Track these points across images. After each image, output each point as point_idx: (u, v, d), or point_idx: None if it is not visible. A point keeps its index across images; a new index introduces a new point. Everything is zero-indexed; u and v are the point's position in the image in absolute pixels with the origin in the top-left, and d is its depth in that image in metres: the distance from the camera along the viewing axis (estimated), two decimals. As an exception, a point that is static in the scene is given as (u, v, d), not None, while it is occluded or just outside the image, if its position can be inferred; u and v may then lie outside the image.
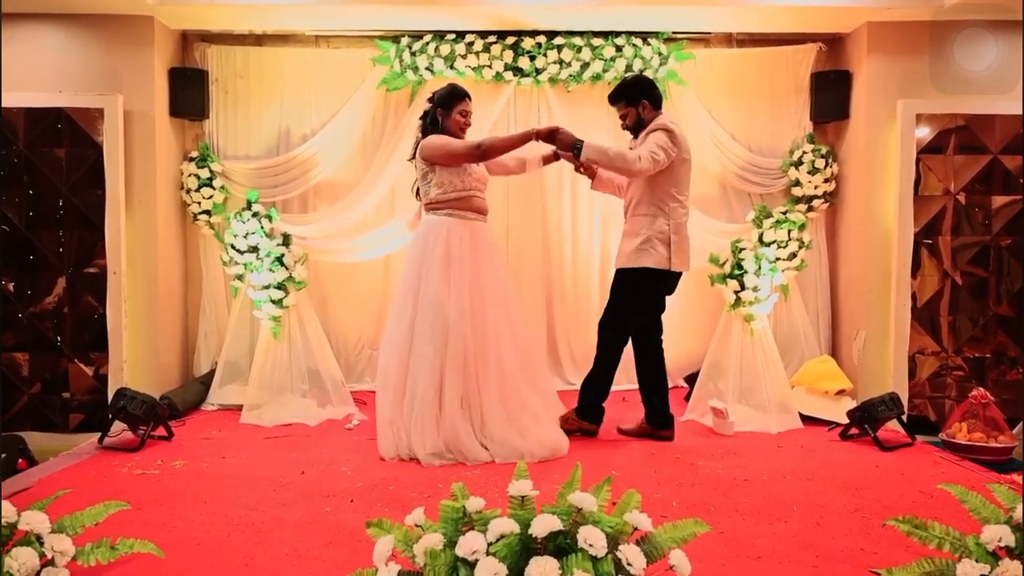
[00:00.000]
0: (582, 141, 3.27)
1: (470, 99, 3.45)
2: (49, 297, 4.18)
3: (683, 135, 3.43)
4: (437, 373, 3.19)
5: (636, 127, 3.50)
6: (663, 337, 3.64)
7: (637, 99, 3.46)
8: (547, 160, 3.61)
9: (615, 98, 3.53)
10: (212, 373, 4.32)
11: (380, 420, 3.30)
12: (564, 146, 3.32)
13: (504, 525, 1.65)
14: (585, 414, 3.53)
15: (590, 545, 1.60)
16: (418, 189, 3.48)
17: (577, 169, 3.55)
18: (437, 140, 3.32)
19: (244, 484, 2.82)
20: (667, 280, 3.47)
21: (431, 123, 3.41)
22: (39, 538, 1.71)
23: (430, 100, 3.46)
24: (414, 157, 3.43)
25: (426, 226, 3.37)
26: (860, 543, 2.27)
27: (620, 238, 3.56)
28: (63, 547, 1.71)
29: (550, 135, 3.31)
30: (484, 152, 3.30)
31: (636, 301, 3.45)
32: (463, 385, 3.19)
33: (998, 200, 4.27)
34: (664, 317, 4.69)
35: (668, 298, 4.68)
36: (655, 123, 3.39)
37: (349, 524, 2.37)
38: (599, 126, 4.62)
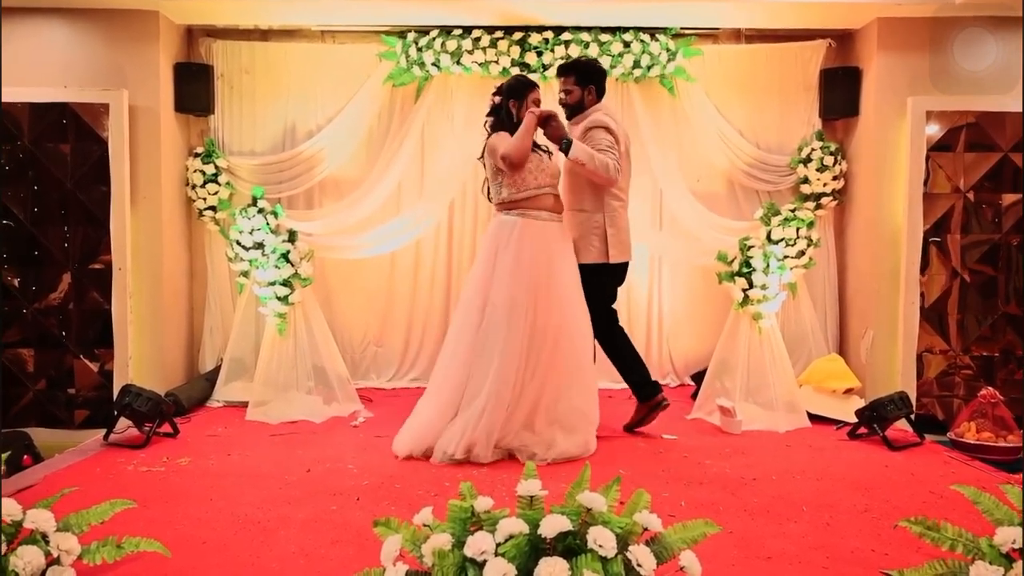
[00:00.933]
0: (571, 140, 3.26)
1: (539, 88, 3.40)
2: (54, 293, 4.17)
3: (621, 130, 3.41)
4: (488, 377, 3.11)
5: (574, 108, 3.49)
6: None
7: (587, 82, 3.46)
8: (539, 118, 3.39)
9: (567, 70, 3.53)
10: (217, 370, 4.31)
11: (416, 420, 3.23)
12: (553, 137, 3.31)
13: (513, 525, 1.64)
14: None
15: (600, 546, 1.59)
16: (488, 189, 3.41)
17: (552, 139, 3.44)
18: (491, 143, 3.26)
19: (250, 482, 2.81)
20: (611, 273, 3.46)
21: (506, 116, 3.31)
22: (44, 536, 1.70)
23: (497, 93, 3.37)
24: (483, 156, 3.36)
25: (497, 227, 3.30)
26: (871, 544, 2.25)
27: None
28: (69, 545, 1.70)
29: (545, 120, 3.29)
30: (511, 163, 3.20)
31: (587, 296, 3.37)
32: (511, 388, 3.11)
33: (1008, 198, 4.23)
34: (671, 314, 4.74)
35: (676, 294, 4.74)
36: (596, 118, 3.36)
37: (356, 523, 2.36)
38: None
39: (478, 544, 1.60)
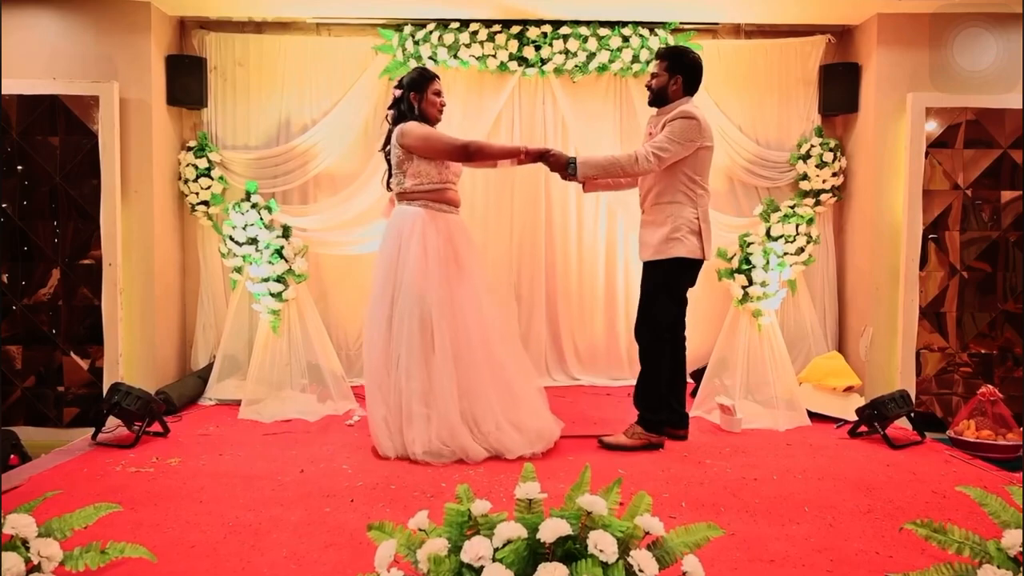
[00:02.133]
0: (574, 160, 3.15)
1: (439, 79, 3.36)
2: (44, 289, 4.10)
3: (707, 121, 3.27)
4: (424, 367, 3.09)
5: (657, 95, 3.31)
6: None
7: (677, 71, 3.26)
8: (520, 161, 3.38)
9: (662, 55, 3.35)
10: (210, 367, 4.25)
11: (373, 418, 3.18)
12: (557, 167, 3.20)
13: (511, 530, 1.59)
14: (650, 427, 3.30)
15: (600, 551, 1.55)
16: (388, 179, 3.36)
17: (565, 178, 3.32)
18: (420, 129, 3.19)
19: (241, 483, 2.75)
20: (696, 269, 3.34)
21: (407, 109, 3.27)
22: (25, 542, 1.64)
23: (398, 86, 3.32)
24: (386, 146, 3.31)
25: (399, 217, 3.25)
26: (875, 546, 2.20)
27: (639, 229, 3.40)
28: (50, 552, 1.64)
29: (541, 156, 3.22)
30: (472, 154, 3.20)
31: (671, 293, 3.30)
32: (456, 378, 3.10)
33: (1007, 195, 4.20)
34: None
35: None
36: (681, 110, 3.20)
37: (350, 525, 2.30)
38: (605, 118, 4.55)
39: (475, 549, 1.55)
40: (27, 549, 1.62)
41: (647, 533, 1.66)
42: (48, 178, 4.06)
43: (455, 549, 1.59)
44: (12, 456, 3.52)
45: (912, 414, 3.59)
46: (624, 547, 1.61)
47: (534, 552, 1.57)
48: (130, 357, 4.11)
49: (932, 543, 1.74)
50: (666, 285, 3.28)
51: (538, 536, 1.56)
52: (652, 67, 3.39)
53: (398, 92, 3.31)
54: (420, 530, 1.68)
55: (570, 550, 1.58)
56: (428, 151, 3.20)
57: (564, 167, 3.17)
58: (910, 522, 1.78)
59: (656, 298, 3.31)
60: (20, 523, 1.63)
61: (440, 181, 3.24)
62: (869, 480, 2.86)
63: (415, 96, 3.27)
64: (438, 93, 3.31)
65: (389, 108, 3.36)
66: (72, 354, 4.12)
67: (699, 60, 3.36)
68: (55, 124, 4.05)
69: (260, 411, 3.81)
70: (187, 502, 2.53)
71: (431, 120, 3.30)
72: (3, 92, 3.94)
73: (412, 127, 3.20)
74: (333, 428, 3.63)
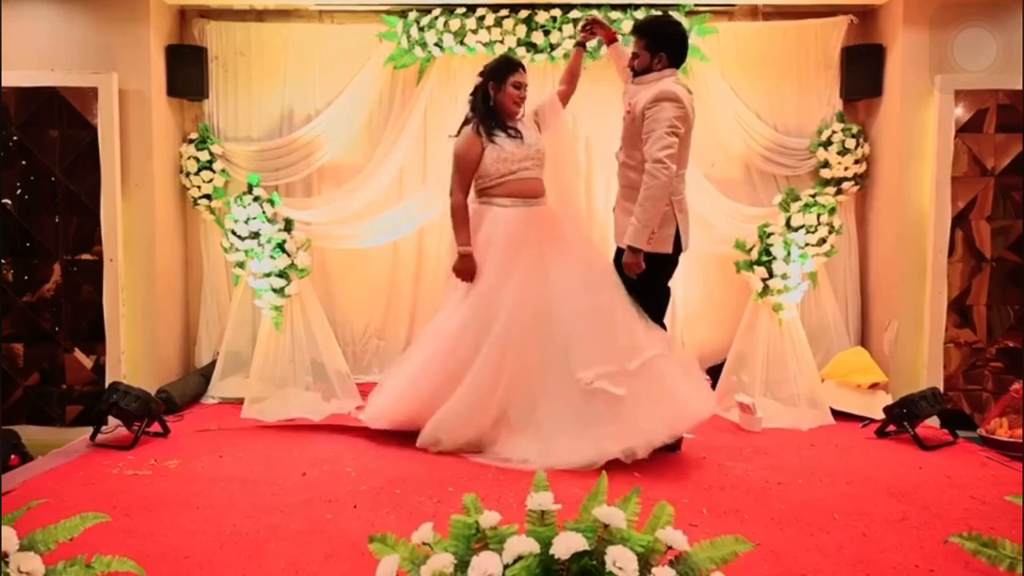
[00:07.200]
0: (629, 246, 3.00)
1: (524, 70, 3.24)
2: (47, 284, 4.02)
3: (691, 102, 3.09)
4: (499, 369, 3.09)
5: (640, 72, 3.16)
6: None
7: (659, 48, 3.09)
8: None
9: (638, 31, 3.18)
10: (213, 364, 4.16)
11: (388, 399, 3.22)
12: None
13: (522, 544, 1.49)
14: None
15: (619, 568, 1.45)
16: None
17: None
18: (460, 146, 3.16)
19: (241, 487, 2.65)
20: (674, 262, 3.19)
21: (483, 99, 3.18)
22: (4, 557, 1.54)
23: (481, 74, 3.24)
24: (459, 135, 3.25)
25: (474, 217, 3.22)
26: (914, 558, 2.06)
27: (615, 207, 3.26)
28: (31, 567, 1.53)
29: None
30: (451, 209, 3.20)
31: (653, 287, 3.15)
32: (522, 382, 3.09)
33: (1041, 182, 4.02)
34: (685, 305, 4.55)
35: (690, 284, 4.53)
36: (664, 89, 2.99)
37: (352, 534, 2.19)
38: (616, 106, 4.36)
39: (483, 566, 1.45)
40: (6, 564, 1.52)
41: (669, 548, 1.55)
42: (48, 172, 3.96)
43: (462, 565, 1.49)
44: (12, 456, 3.43)
45: (941, 412, 3.44)
46: (645, 563, 1.50)
47: (547, 569, 1.47)
48: (132, 355, 4.02)
49: (980, 558, 1.61)
50: (646, 279, 3.10)
51: (552, 552, 1.45)
52: (632, 44, 3.22)
53: (480, 79, 3.22)
54: (424, 544, 1.57)
55: (586, 567, 1.48)
56: (454, 167, 3.17)
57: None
58: (956, 534, 1.64)
59: (646, 295, 3.16)
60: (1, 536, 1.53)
61: (501, 175, 3.16)
62: (901, 484, 2.71)
63: (493, 85, 3.17)
64: (518, 85, 3.20)
65: (471, 94, 3.26)
66: (75, 352, 4.04)
67: (682, 31, 3.21)
68: (54, 117, 3.95)
69: (263, 410, 3.71)
70: (183, 508, 2.43)
71: (507, 113, 3.21)
72: (2, 84, 3.85)
73: (459, 141, 3.17)
74: (338, 428, 3.51)
